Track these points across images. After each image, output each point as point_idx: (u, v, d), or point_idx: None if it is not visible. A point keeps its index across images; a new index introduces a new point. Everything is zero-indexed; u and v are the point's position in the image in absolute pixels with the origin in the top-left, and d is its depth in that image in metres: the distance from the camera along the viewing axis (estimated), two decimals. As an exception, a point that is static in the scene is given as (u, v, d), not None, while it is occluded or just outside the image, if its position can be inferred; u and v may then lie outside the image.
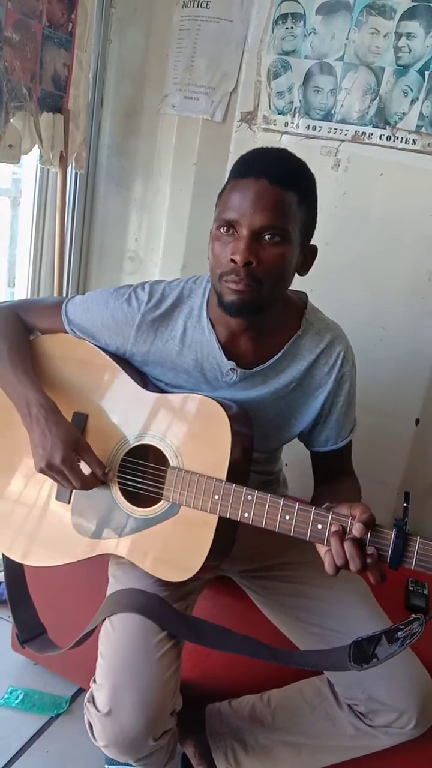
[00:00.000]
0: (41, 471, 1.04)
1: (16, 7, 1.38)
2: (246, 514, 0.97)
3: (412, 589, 1.34)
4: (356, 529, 0.88)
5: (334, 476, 1.21)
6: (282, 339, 1.10)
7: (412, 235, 1.57)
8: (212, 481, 1.00)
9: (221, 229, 0.99)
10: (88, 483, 1.06)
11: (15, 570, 1.26)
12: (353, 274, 1.64)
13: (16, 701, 1.47)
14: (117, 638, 1.02)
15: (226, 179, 1.03)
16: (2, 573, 1.28)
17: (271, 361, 1.10)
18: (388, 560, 0.88)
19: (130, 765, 1.07)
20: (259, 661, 1.11)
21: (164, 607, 1.05)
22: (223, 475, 1.00)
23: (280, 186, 0.96)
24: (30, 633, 1.26)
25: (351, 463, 1.23)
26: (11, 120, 1.43)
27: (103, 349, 1.15)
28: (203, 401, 1.05)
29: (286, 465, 1.35)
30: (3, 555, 1.20)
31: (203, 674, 1.30)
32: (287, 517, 0.94)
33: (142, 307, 1.11)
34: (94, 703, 1.00)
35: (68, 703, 1.49)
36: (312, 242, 1.07)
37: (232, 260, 0.96)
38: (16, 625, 1.25)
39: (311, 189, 1.03)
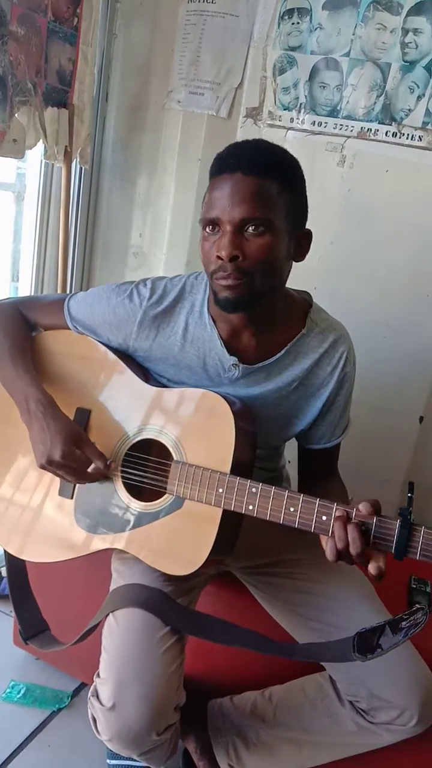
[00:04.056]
0: (42, 467, 1.04)
1: (22, 1, 1.37)
2: (250, 507, 0.97)
3: (414, 586, 1.34)
4: (363, 506, 0.89)
5: (321, 475, 1.21)
6: (286, 337, 1.10)
7: (417, 232, 1.57)
8: (216, 474, 1.00)
9: (207, 229, 1.00)
10: (90, 477, 1.06)
11: (17, 566, 1.26)
12: (358, 271, 1.64)
13: (18, 695, 1.47)
14: (121, 633, 1.03)
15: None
16: (4, 568, 1.28)
17: (274, 358, 1.10)
18: (393, 550, 0.88)
19: (133, 759, 1.08)
20: (262, 658, 1.11)
21: (168, 602, 1.06)
22: (227, 469, 1.00)
23: (256, 176, 0.95)
24: (33, 630, 1.26)
25: (337, 464, 1.23)
26: (16, 115, 1.42)
27: (106, 345, 1.15)
28: (207, 395, 1.05)
29: (289, 462, 1.35)
30: (5, 551, 1.21)
31: (205, 670, 1.30)
32: (292, 509, 0.94)
33: (143, 303, 1.11)
34: (98, 697, 1.01)
35: (70, 698, 1.49)
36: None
37: (219, 257, 0.96)
38: (19, 622, 1.25)
39: (293, 174, 1.02)
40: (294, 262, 1.06)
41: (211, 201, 0.98)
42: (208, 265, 1.00)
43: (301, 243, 1.05)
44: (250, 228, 0.96)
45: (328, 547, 0.91)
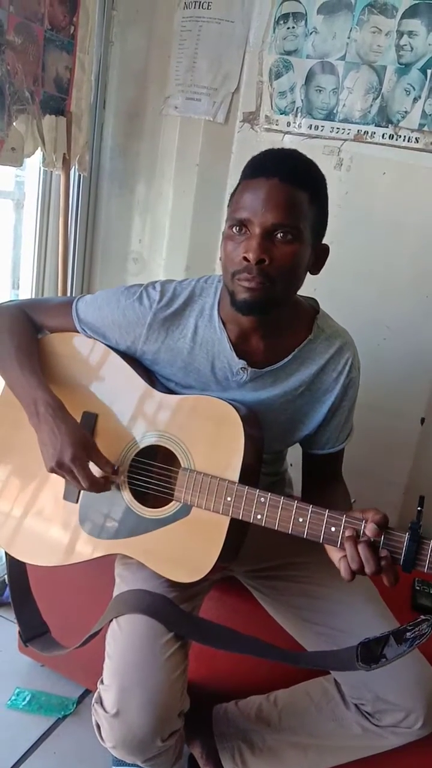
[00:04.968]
0: (51, 470, 1.04)
1: (18, 10, 1.38)
2: (259, 516, 0.97)
3: (418, 588, 1.33)
4: (369, 529, 0.88)
5: (325, 480, 1.21)
6: (293, 342, 1.11)
7: (415, 233, 1.57)
8: (225, 482, 1.00)
9: (233, 229, 0.99)
10: (97, 484, 1.05)
11: (18, 569, 1.26)
12: (357, 274, 1.64)
13: (24, 703, 1.47)
14: (124, 639, 1.03)
15: (228, 180, 1.04)
16: (6, 576, 1.28)
17: (281, 363, 1.10)
18: (401, 563, 0.88)
19: (138, 766, 1.07)
20: (266, 662, 1.11)
21: (171, 608, 1.06)
22: (236, 477, 1.00)
23: (291, 184, 0.97)
24: (33, 631, 1.27)
25: (341, 469, 1.23)
26: (14, 123, 1.43)
27: (113, 348, 1.15)
28: (215, 403, 1.05)
29: (291, 465, 1.35)
30: (6, 554, 1.21)
31: (210, 675, 1.30)
32: (300, 520, 0.94)
33: (153, 305, 1.11)
34: (101, 703, 1.01)
35: (75, 705, 1.49)
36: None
37: (245, 258, 0.97)
38: (19, 623, 1.26)
39: (322, 188, 1.03)
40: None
41: (243, 202, 0.98)
42: (230, 265, 1.00)
43: (319, 256, 1.06)
44: (279, 234, 0.97)
45: (341, 567, 0.91)
